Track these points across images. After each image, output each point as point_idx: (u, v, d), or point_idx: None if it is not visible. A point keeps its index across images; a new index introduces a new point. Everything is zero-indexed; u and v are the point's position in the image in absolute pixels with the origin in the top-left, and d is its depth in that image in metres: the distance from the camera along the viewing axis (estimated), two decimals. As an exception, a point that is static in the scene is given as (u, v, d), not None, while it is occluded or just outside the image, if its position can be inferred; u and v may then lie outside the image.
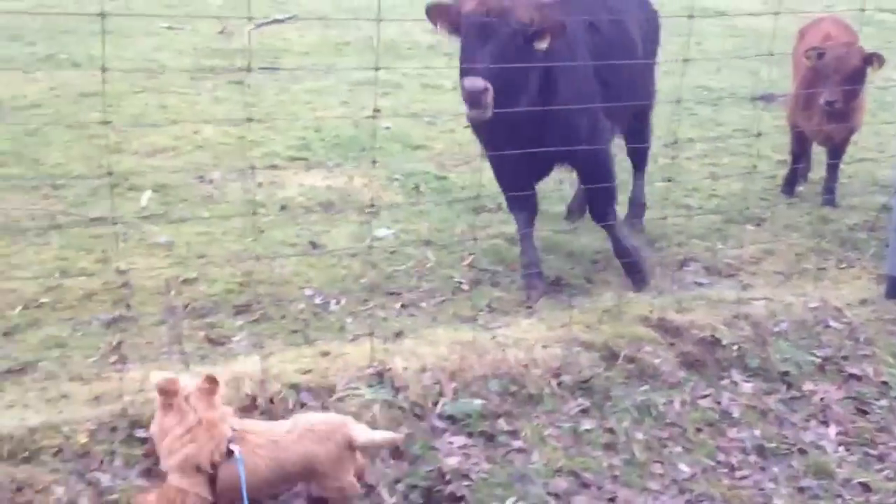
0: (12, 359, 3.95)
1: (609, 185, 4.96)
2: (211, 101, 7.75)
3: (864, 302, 4.82)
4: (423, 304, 4.71)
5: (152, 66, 8.48)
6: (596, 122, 4.81)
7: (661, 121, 7.29)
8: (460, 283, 4.96)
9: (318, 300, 4.66)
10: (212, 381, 3.02)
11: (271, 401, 3.56)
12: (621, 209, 5.97)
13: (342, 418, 3.19)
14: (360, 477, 3.21)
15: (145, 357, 3.99)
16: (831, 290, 4.92)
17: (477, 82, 4.16)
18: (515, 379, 3.89)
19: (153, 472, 3.17)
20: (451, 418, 3.70)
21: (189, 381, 3.05)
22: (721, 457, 3.73)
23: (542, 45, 4.32)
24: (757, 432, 3.87)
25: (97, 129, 6.62)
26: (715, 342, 4.26)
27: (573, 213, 5.97)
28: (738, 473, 3.65)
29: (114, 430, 3.30)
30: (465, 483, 3.41)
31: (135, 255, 4.89)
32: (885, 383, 4.28)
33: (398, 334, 4.25)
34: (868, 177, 7.05)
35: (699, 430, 3.85)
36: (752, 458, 3.74)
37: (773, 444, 3.81)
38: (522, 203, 5.02)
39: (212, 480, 2.95)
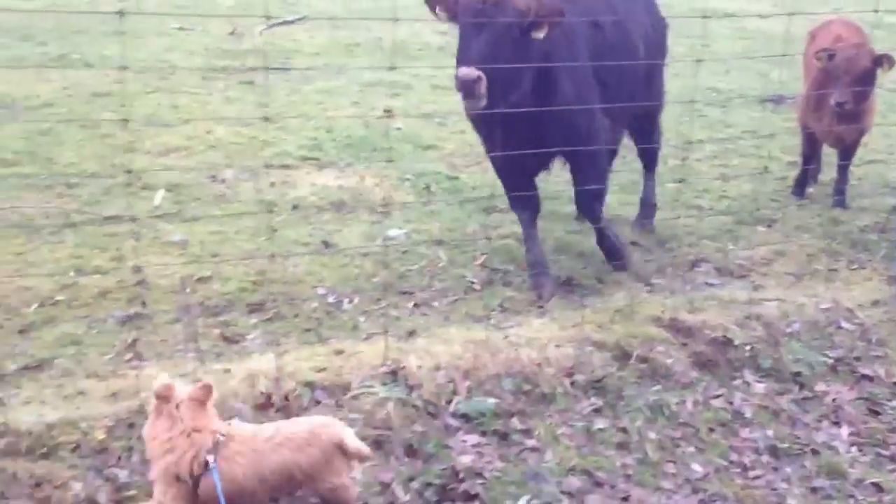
0: (29, 356, 3.98)
1: (600, 180, 5.00)
2: (222, 101, 7.79)
3: (875, 303, 4.83)
4: (436, 304, 4.72)
5: (164, 67, 8.50)
6: (593, 117, 4.81)
7: (670, 122, 7.31)
8: (472, 282, 4.98)
9: (331, 299, 4.68)
10: (205, 389, 2.98)
11: (286, 398, 3.59)
12: (632, 209, 6.02)
13: (330, 421, 3.10)
14: None
15: (161, 354, 4.02)
16: (843, 292, 4.93)
17: (470, 72, 4.18)
18: (528, 378, 3.92)
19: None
20: (465, 417, 3.72)
21: (184, 388, 3.00)
22: (734, 457, 3.74)
23: (540, 34, 4.33)
24: (769, 432, 3.88)
25: (110, 129, 6.67)
26: (727, 342, 4.27)
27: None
28: (751, 473, 3.66)
29: (131, 426, 3.33)
30: (479, 481, 3.43)
31: (149, 254, 4.92)
32: (896, 384, 4.29)
33: (411, 333, 4.27)
34: (878, 178, 7.05)
35: (712, 430, 3.86)
36: (765, 458, 3.75)
37: (785, 445, 3.82)
38: (525, 202, 5.03)
39: (194, 490, 2.89)
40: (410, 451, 3.53)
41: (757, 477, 3.64)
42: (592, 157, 4.91)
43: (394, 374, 3.79)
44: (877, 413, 4.10)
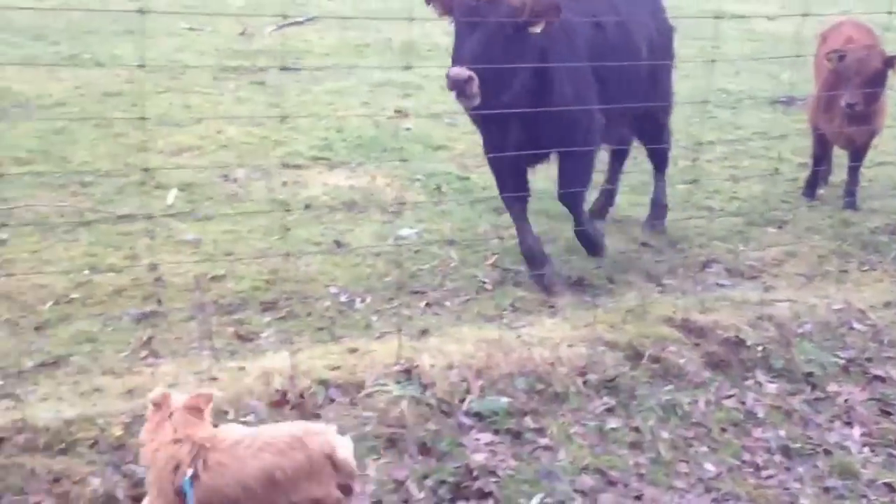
0: (45, 353, 4.01)
1: (585, 174, 5.03)
2: (234, 101, 7.82)
3: (887, 304, 4.83)
4: (448, 303, 4.74)
5: (175, 67, 8.54)
6: (587, 113, 4.83)
7: (680, 123, 7.31)
8: (484, 282, 5.00)
9: (343, 298, 4.70)
10: (201, 398, 2.91)
11: (301, 396, 3.62)
12: (643, 210, 6.03)
13: (322, 428, 2.97)
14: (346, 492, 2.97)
15: (175, 352, 4.05)
16: (854, 293, 4.93)
17: (461, 72, 4.20)
18: (541, 377, 3.93)
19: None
20: (478, 415, 3.74)
21: (181, 397, 2.93)
22: (746, 456, 3.74)
23: (537, 29, 4.34)
24: (782, 432, 3.88)
25: (122, 128, 6.71)
26: (739, 343, 4.28)
27: (594, 214, 5.99)
28: (764, 473, 3.66)
29: (148, 423, 3.35)
30: (493, 479, 3.45)
31: (162, 252, 4.94)
32: (908, 385, 4.29)
33: (424, 332, 4.29)
34: (889, 180, 7.05)
35: (724, 429, 3.87)
36: (778, 457, 3.76)
37: (797, 445, 3.83)
38: (515, 192, 5.05)
39: (182, 501, 2.80)
40: (424, 449, 3.55)
41: (769, 476, 3.65)
42: (581, 152, 4.92)
43: (407, 373, 3.81)
44: (888, 414, 4.10)
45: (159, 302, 4.39)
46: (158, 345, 4.10)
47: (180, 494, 2.77)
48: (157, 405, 2.89)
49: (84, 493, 3.10)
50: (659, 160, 6.01)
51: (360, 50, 10.21)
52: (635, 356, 4.12)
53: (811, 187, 6.67)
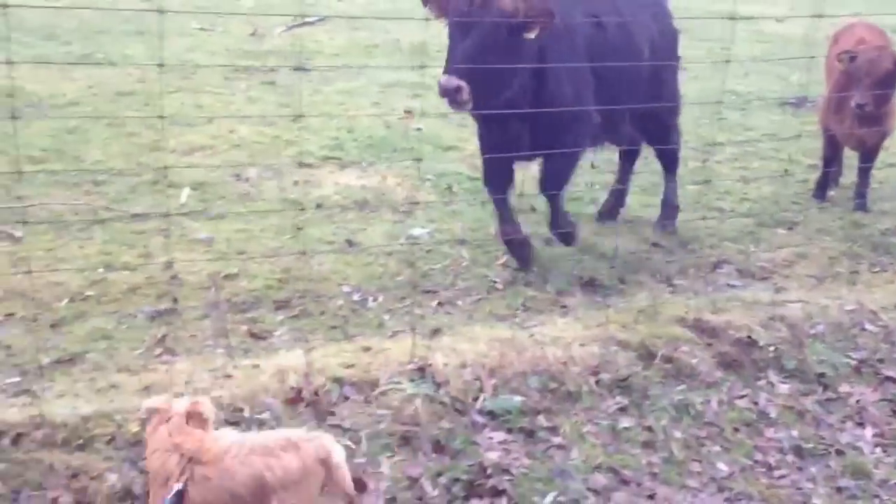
0: (61, 349, 4.04)
1: (569, 170, 5.08)
2: (245, 101, 7.86)
3: (899, 306, 4.84)
4: (460, 303, 4.76)
5: (186, 67, 8.57)
6: (582, 115, 4.85)
7: (690, 124, 7.32)
8: (495, 282, 5.01)
9: (356, 297, 4.72)
10: (199, 404, 2.88)
11: (316, 393, 3.64)
12: (654, 211, 6.04)
13: (322, 436, 2.93)
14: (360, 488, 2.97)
15: (190, 350, 4.07)
16: (865, 294, 4.94)
17: (450, 81, 4.23)
18: (554, 376, 3.95)
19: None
20: (492, 414, 3.76)
21: (182, 403, 2.91)
22: (759, 456, 3.76)
23: (531, 35, 4.36)
24: (794, 433, 3.90)
25: (135, 127, 6.75)
26: (751, 343, 4.29)
27: (604, 215, 6.01)
28: (776, 473, 3.68)
29: (164, 419, 3.37)
30: (506, 477, 3.46)
31: (176, 251, 4.97)
32: (920, 386, 4.30)
33: (436, 331, 4.31)
34: (900, 182, 7.05)
35: (737, 429, 3.89)
36: (790, 457, 3.78)
37: (810, 445, 3.84)
38: (502, 184, 5.08)
39: None
40: (438, 447, 3.57)
41: (782, 476, 3.67)
42: (569, 146, 4.96)
43: (421, 371, 3.83)
44: (901, 414, 4.12)
45: (175, 300, 4.41)
46: (173, 342, 4.12)
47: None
48: (154, 414, 2.88)
49: (101, 488, 3.13)
50: (668, 161, 6.02)
51: (369, 51, 10.24)
52: (648, 356, 4.13)
53: (822, 189, 6.67)
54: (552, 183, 5.07)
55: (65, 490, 3.11)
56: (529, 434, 3.70)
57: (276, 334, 4.31)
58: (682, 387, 4.03)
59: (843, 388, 4.20)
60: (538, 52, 4.59)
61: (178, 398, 3.01)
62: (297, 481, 2.76)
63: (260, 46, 9.81)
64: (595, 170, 6.64)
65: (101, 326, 4.24)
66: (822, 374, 4.24)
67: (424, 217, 5.77)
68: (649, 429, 3.80)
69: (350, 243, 5.34)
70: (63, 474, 3.14)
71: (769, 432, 3.89)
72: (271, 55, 9.37)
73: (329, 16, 11.16)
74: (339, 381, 3.72)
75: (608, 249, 5.49)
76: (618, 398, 3.94)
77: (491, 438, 3.65)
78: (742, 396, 4.06)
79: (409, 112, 7.70)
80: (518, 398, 3.82)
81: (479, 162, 6.75)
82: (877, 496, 3.61)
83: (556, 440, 3.69)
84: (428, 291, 4.84)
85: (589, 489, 3.48)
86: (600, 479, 3.53)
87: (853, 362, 4.35)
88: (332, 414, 3.59)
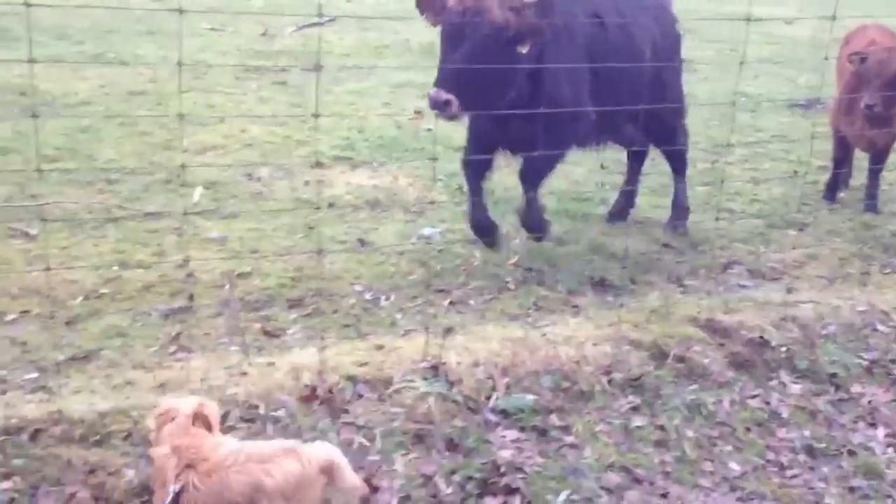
0: (76, 347, 4.06)
1: (548, 166, 5.10)
2: (256, 100, 7.89)
3: (910, 307, 4.84)
4: (472, 302, 4.77)
5: (198, 66, 8.62)
6: (572, 116, 4.86)
7: (698, 126, 7.34)
8: (507, 281, 5.03)
9: (368, 296, 4.74)
10: (203, 406, 2.87)
11: (330, 391, 3.65)
12: (664, 212, 6.05)
13: (319, 444, 2.92)
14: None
15: (204, 347, 4.09)
16: (877, 295, 4.94)
17: (439, 95, 4.30)
18: (567, 375, 3.96)
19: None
20: (504, 412, 3.77)
21: (188, 405, 2.89)
22: (771, 456, 3.77)
23: (523, 49, 4.40)
24: (806, 433, 3.91)
25: (147, 126, 6.78)
26: (763, 343, 4.30)
27: (615, 216, 6.02)
28: (789, 472, 3.69)
29: (181, 415, 3.39)
30: (520, 476, 3.47)
31: (189, 250, 5.00)
32: (932, 387, 4.31)
33: (449, 330, 4.32)
34: (910, 184, 7.05)
35: (749, 429, 3.90)
36: (802, 457, 3.78)
37: (822, 445, 3.85)
38: (481, 171, 5.12)
39: None
40: (451, 445, 3.58)
41: (794, 476, 3.67)
42: (553, 144, 4.96)
43: (434, 370, 3.84)
44: (912, 415, 4.12)
45: (191, 297, 4.44)
46: (187, 340, 4.15)
47: None
48: (160, 417, 2.88)
49: (119, 484, 3.15)
50: (675, 163, 6.02)
51: (379, 51, 10.28)
52: (660, 356, 4.14)
53: (832, 190, 6.68)
54: (530, 177, 5.10)
55: (82, 485, 3.13)
56: (542, 433, 3.71)
57: (289, 332, 4.33)
58: (695, 386, 4.04)
59: (855, 388, 4.21)
60: (532, 51, 4.61)
61: (185, 398, 3.02)
62: (298, 488, 2.71)
63: (270, 47, 9.85)
64: (605, 170, 6.66)
65: (116, 324, 4.27)
66: (833, 375, 4.25)
67: (436, 217, 5.79)
68: (662, 428, 3.82)
69: (362, 243, 5.37)
70: (81, 470, 3.16)
71: (781, 432, 3.90)
72: (282, 55, 9.41)
73: (339, 16, 11.18)
74: (352, 379, 3.74)
75: (619, 250, 5.50)
76: (630, 397, 3.95)
77: (504, 437, 3.67)
78: (754, 396, 4.07)
79: (419, 112, 7.73)
80: (531, 397, 3.83)
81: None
82: (889, 496, 3.61)
83: (569, 439, 3.70)
84: (440, 291, 4.85)
85: (602, 488, 3.49)
86: (613, 478, 3.54)
87: (865, 363, 4.36)
88: (346, 412, 3.60)
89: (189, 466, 2.75)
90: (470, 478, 3.45)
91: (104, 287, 4.58)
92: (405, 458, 3.49)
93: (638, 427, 3.81)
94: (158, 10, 10.18)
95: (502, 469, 3.48)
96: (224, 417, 3.39)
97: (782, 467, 3.72)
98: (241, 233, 5.31)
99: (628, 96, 5.09)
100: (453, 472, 3.46)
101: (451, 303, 4.75)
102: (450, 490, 3.39)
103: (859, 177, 6.87)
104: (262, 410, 3.50)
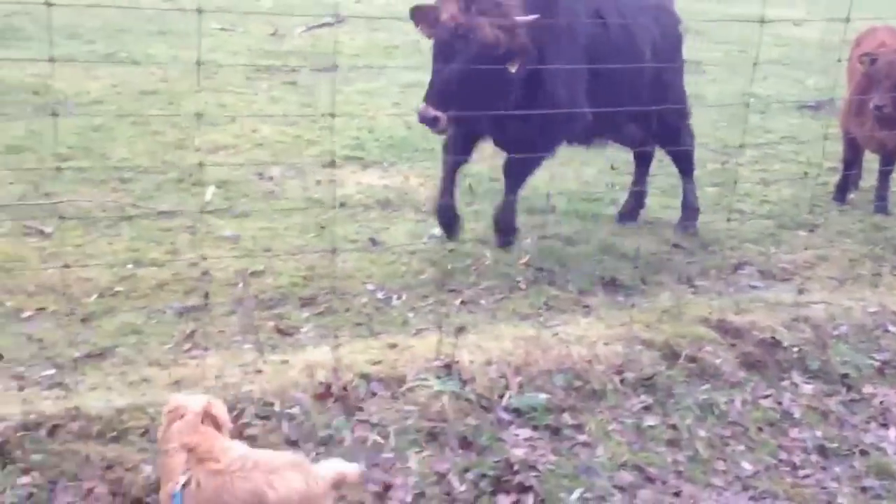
0: (91, 344, 4.09)
1: (532, 164, 5.14)
2: (267, 100, 7.92)
3: (921, 308, 4.85)
4: (483, 301, 4.79)
5: (208, 66, 8.65)
6: (563, 115, 4.88)
7: (707, 127, 7.35)
8: (518, 281, 5.04)
9: (380, 295, 4.77)
10: (211, 405, 2.87)
11: (344, 389, 3.68)
12: (674, 213, 6.07)
13: (336, 461, 2.91)
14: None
15: (219, 345, 4.12)
16: (888, 296, 4.96)
17: (428, 111, 4.36)
18: (579, 374, 3.98)
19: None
20: (517, 411, 3.79)
21: (197, 402, 2.88)
22: (783, 456, 3.78)
23: (513, 68, 4.44)
24: (818, 433, 3.92)
25: (159, 125, 6.82)
26: (775, 344, 4.32)
27: (625, 216, 6.04)
28: (801, 472, 3.70)
29: (197, 412, 3.41)
30: (533, 474, 3.49)
31: (202, 248, 5.03)
32: (943, 388, 4.31)
33: (461, 329, 4.34)
34: (920, 185, 7.04)
35: (761, 429, 3.91)
36: (814, 457, 3.80)
37: (834, 445, 3.86)
38: (460, 150, 5.17)
39: None
40: (465, 443, 3.60)
41: (806, 476, 3.69)
42: (537, 147, 5.01)
43: (447, 368, 3.86)
44: (924, 416, 4.13)
45: (206, 295, 4.47)
46: (201, 338, 4.17)
47: None
48: (170, 414, 2.88)
49: (136, 479, 3.17)
50: (682, 163, 6.03)
51: (388, 51, 10.31)
52: (672, 355, 4.16)
53: (842, 191, 6.69)
54: (514, 173, 5.14)
55: (100, 481, 3.15)
56: (555, 431, 3.73)
57: (302, 331, 4.35)
58: (707, 386, 4.05)
59: (867, 388, 4.22)
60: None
61: (194, 396, 3.01)
62: (303, 500, 2.67)
63: (280, 47, 9.88)
64: (615, 171, 6.68)
65: (131, 321, 4.30)
66: (845, 375, 4.26)
67: (446, 216, 5.80)
68: (674, 427, 3.83)
69: (373, 242, 5.39)
70: (98, 465, 3.19)
71: (793, 432, 3.91)
72: (292, 55, 9.44)
73: (349, 16, 11.22)
74: (366, 377, 3.76)
75: (629, 250, 5.52)
76: (642, 397, 3.96)
77: (517, 435, 3.68)
78: (766, 396, 4.08)
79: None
80: (543, 396, 3.85)
81: (499, 163, 6.84)
82: (901, 497, 3.62)
83: (582, 438, 3.72)
84: (451, 290, 4.88)
85: (615, 486, 3.50)
86: (626, 477, 3.56)
87: (876, 363, 4.37)
88: (361, 409, 3.62)
89: (196, 464, 2.74)
90: (483, 475, 3.47)
91: (119, 285, 4.62)
92: (419, 455, 3.50)
93: (650, 426, 3.82)
94: (169, 10, 10.24)
95: (515, 467, 3.50)
96: (239, 414, 3.42)
97: (794, 467, 3.73)
98: (253, 231, 5.34)
99: (627, 96, 5.10)
100: (467, 470, 3.48)
101: (462, 302, 4.77)
102: (463, 488, 3.41)
103: (869, 178, 6.87)
104: (277, 408, 3.52)
